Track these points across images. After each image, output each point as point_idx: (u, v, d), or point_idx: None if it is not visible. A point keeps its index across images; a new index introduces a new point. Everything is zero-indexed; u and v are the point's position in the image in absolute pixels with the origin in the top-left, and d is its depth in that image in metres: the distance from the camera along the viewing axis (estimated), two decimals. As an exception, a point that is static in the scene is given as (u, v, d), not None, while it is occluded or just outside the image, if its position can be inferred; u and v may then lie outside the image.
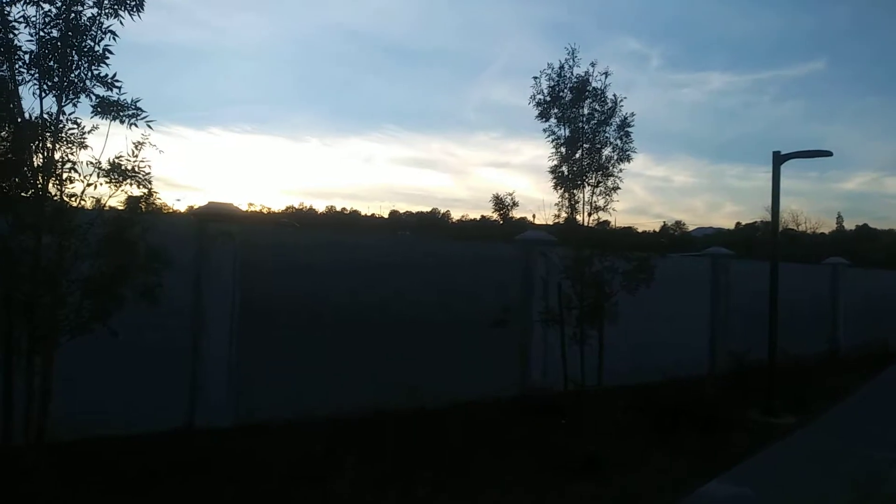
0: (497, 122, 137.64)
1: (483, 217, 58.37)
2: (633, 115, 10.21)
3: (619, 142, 10.25)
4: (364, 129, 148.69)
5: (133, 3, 6.06)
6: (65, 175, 5.93)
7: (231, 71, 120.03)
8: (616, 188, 10.29)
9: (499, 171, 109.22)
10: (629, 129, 10.21)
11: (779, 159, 11.38)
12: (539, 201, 10.75)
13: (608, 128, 10.23)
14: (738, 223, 79.52)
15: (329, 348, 9.44)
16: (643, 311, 12.04)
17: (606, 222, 10.53)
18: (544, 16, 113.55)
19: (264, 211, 72.79)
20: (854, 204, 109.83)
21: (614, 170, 10.25)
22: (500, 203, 10.71)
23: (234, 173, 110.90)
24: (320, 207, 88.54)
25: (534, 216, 10.77)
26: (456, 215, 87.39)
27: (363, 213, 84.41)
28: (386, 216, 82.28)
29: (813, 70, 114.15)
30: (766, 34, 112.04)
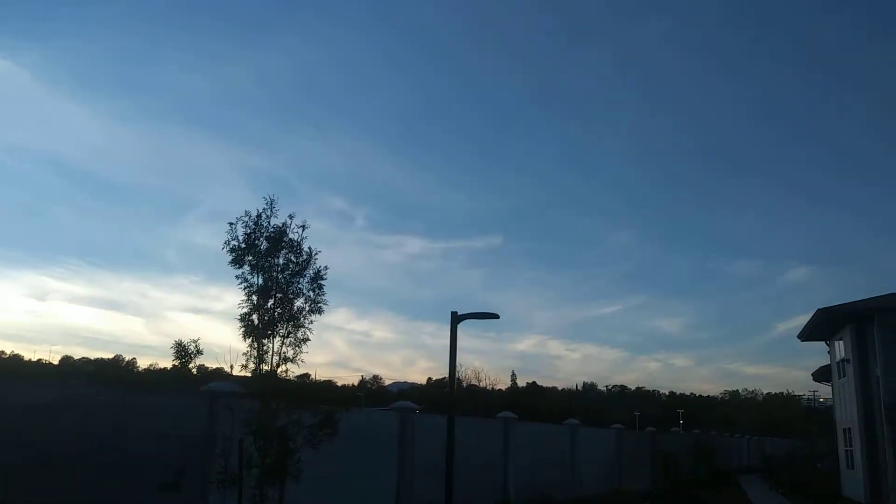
0: (198, 266, 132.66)
1: (175, 366, 54.04)
2: (326, 268, 10.55)
3: (311, 293, 10.43)
4: (40, 262, 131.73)
5: None
6: None
7: None
8: (306, 339, 10.32)
9: (198, 317, 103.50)
10: (322, 282, 10.49)
11: (456, 319, 12.57)
12: (238, 350, 10.24)
13: (302, 279, 10.40)
14: (429, 378, 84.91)
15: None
16: (330, 468, 11.75)
17: (307, 375, 10.38)
18: (258, 166, 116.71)
19: None
20: (525, 363, 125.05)
21: (305, 321, 10.33)
22: (182, 350, 10.00)
23: None
24: (-31, 350, 74.04)
25: (231, 367, 10.19)
26: (144, 363, 79.67)
27: (27, 359, 72.46)
28: (56, 362, 71.61)
29: (492, 244, 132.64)
30: (454, 209, 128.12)
